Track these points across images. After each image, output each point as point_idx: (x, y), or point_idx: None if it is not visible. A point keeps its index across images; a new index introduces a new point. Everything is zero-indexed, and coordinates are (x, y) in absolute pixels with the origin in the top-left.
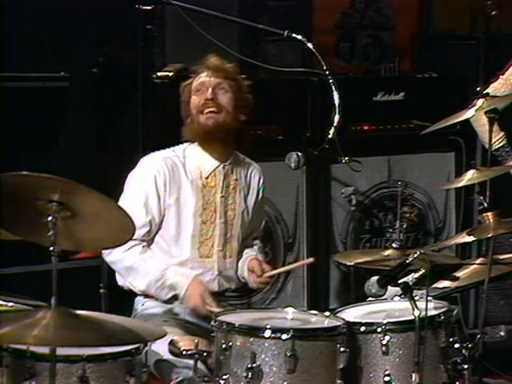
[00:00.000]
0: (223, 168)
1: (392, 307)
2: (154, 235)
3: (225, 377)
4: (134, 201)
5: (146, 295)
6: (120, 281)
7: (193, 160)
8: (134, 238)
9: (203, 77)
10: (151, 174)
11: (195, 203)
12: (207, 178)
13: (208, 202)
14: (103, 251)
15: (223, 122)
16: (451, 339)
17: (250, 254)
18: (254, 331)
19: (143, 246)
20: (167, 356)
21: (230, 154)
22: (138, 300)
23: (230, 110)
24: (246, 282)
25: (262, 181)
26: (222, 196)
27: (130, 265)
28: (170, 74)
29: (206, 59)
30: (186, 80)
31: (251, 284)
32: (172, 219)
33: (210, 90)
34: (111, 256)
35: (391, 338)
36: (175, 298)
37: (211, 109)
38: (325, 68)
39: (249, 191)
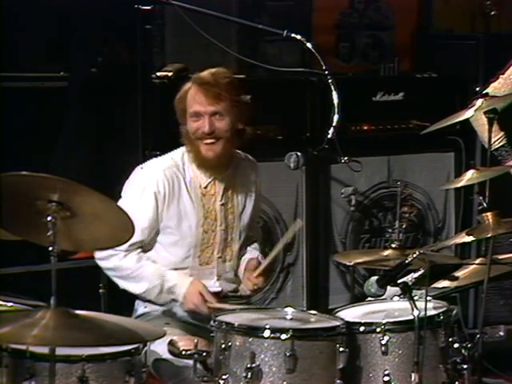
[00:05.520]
0: (223, 177)
1: (391, 307)
2: (154, 241)
3: (224, 377)
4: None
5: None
6: None
7: (191, 168)
8: (130, 243)
9: (197, 103)
10: (150, 189)
11: (196, 214)
12: (206, 187)
13: (208, 211)
14: (98, 256)
15: (222, 151)
16: (450, 339)
17: (248, 257)
18: (253, 331)
19: (138, 253)
20: (166, 356)
21: (230, 162)
22: (139, 301)
23: (228, 136)
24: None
25: (257, 173)
26: (221, 204)
27: (127, 274)
28: (170, 74)
29: (198, 76)
30: (183, 83)
31: (245, 284)
32: (173, 230)
33: (206, 120)
34: (107, 263)
35: (390, 337)
36: (174, 301)
37: (210, 140)
38: (324, 68)
39: (247, 188)
